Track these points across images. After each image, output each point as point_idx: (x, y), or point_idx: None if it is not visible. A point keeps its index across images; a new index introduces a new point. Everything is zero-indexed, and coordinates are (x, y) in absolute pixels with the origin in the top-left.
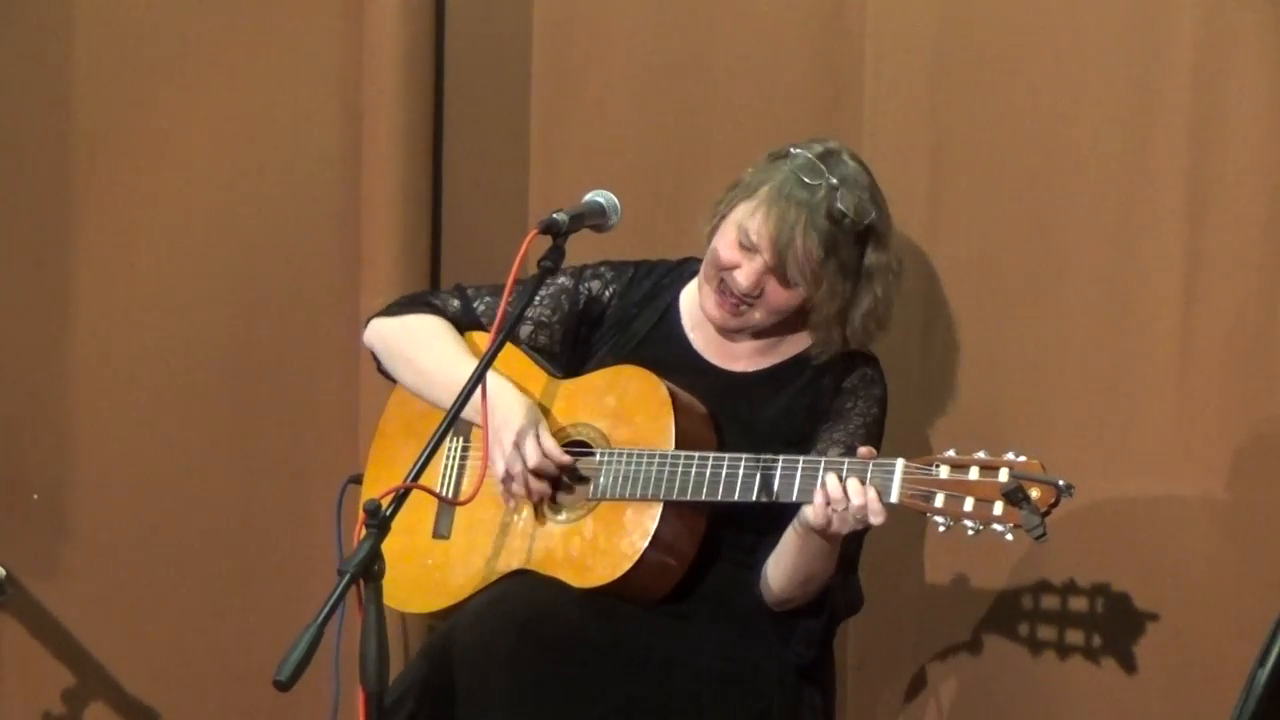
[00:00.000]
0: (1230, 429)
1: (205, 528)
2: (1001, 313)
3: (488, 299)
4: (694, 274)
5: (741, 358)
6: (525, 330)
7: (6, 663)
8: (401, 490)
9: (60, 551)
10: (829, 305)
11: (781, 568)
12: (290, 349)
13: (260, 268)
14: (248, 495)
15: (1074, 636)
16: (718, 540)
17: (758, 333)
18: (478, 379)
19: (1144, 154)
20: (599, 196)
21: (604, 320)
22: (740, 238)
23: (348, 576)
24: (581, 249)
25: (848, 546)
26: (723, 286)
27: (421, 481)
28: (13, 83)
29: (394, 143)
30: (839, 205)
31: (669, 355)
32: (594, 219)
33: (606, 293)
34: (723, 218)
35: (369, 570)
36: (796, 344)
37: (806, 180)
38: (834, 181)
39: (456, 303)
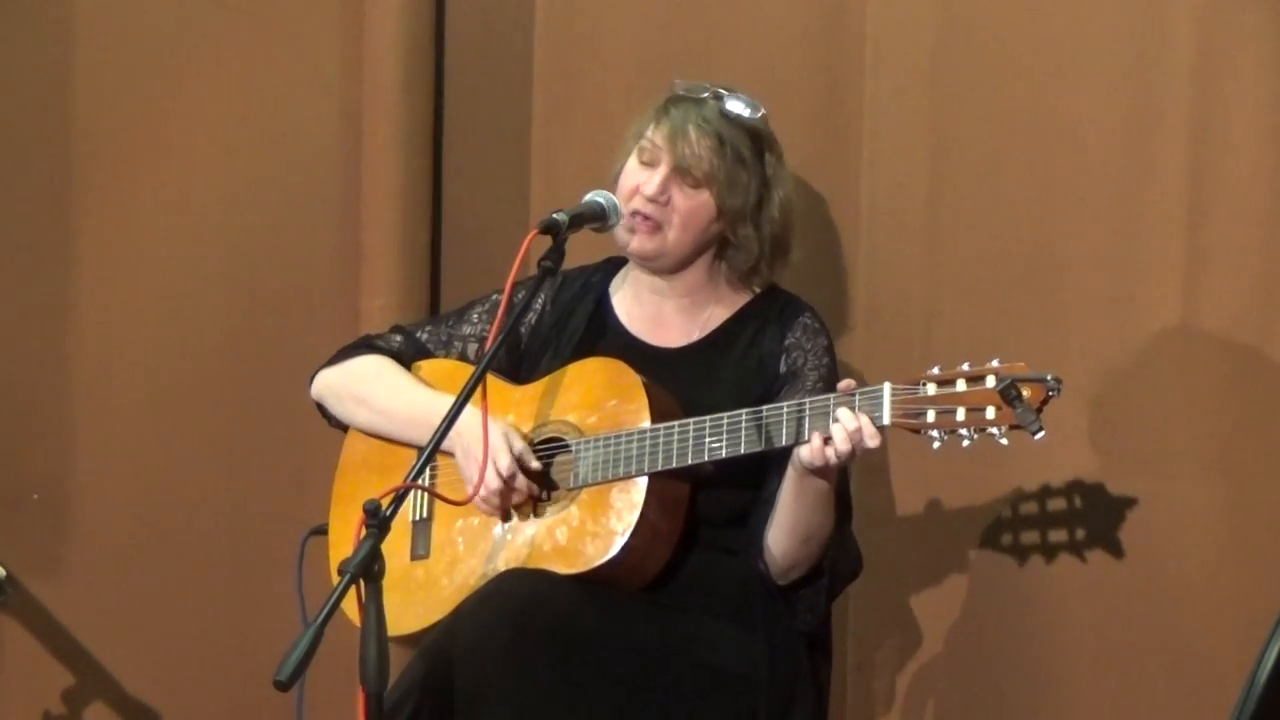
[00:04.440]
0: (1230, 428)
1: (205, 527)
2: (1001, 313)
3: (429, 328)
4: (620, 266)
5: (674, 329)
6: (473, 349)
7: (6, 663)
8: (402, 490)
9: (60, 551)
10: (732, 198)
11: (780, 527)
12: (290, 349)
13: (260, 267)
14: (248, 494)
15: (1074, 638)
16: (697, 530)
17: (682, 297)
18: (477, 377)
19: (1144, 154)
20: (599, 196)
21: (540, 327)
22: (639, 156)
23: (348, 577)
24: (582, 249)
25: (840, 492)
26: (636, 214)
27: (394, 512)
28: (13, 83)
29: (394, 143)
30: (727, 107)
31: (609, 344)
32: (594, 219)
33: (539, 300)
34: (624, 164)
35: (369, 570)
36: (723, 306)
37: (693, 95)
38: (720, 90)
39: (398, 339)
